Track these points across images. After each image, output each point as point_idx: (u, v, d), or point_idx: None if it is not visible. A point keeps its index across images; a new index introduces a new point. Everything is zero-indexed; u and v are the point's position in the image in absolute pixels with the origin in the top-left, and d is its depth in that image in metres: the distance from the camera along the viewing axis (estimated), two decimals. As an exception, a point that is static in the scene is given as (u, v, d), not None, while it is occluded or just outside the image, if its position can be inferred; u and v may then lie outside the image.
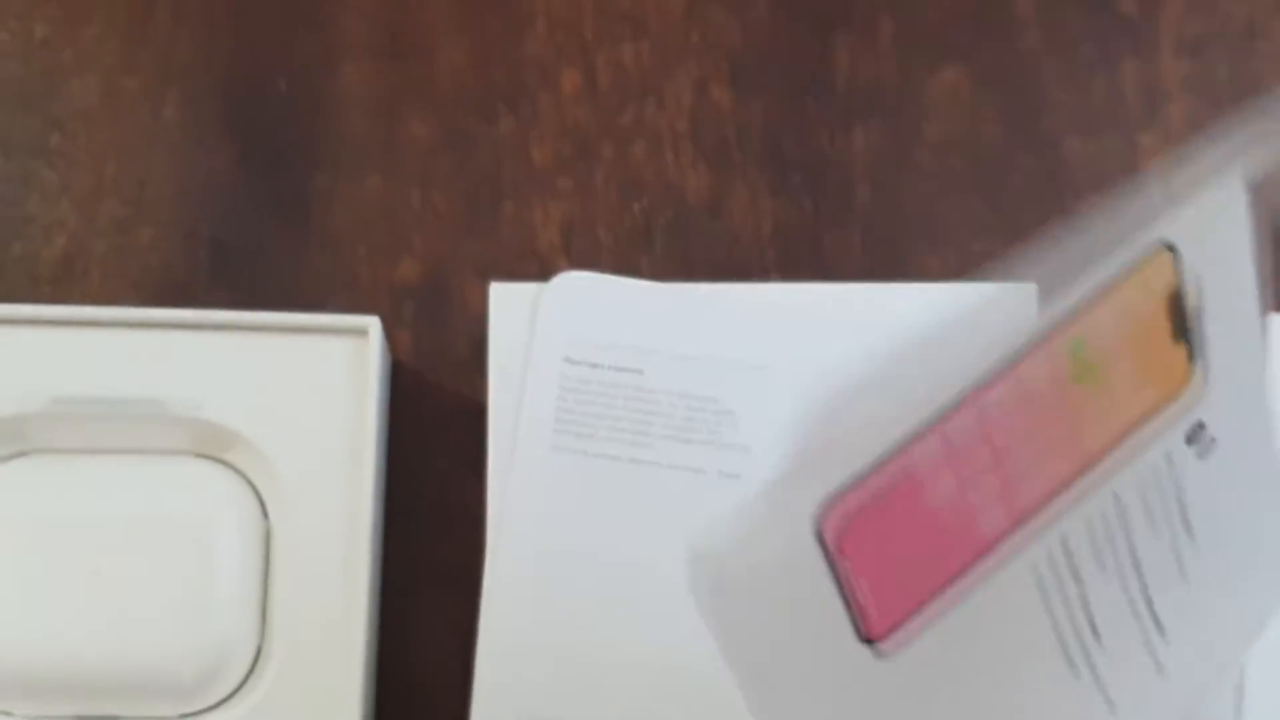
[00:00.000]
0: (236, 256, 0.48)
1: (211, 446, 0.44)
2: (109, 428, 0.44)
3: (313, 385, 0.44)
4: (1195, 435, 0.37)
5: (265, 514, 0.44)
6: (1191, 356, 0.36)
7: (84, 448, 0.44)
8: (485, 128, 0.50)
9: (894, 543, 0.32)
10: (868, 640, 0.32)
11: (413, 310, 0.48)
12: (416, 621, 0.46)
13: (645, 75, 0.51)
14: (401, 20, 0.51)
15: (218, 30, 0.50)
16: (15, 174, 0.49)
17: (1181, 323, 0.35)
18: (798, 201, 0.50)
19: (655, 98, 0.50)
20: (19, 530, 0.42)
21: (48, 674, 0.42)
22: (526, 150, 0.50)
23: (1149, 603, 0.37)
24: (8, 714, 0.42)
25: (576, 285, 0.46)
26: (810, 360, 0.45)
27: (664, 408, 0.45)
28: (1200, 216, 0.35)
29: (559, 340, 0.45)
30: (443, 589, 0.46)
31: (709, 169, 0.50)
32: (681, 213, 0.49)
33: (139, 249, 0.48)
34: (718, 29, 0.51)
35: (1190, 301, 0.35)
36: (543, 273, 0.48)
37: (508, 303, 0.45)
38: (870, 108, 0.51)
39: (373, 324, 0.44)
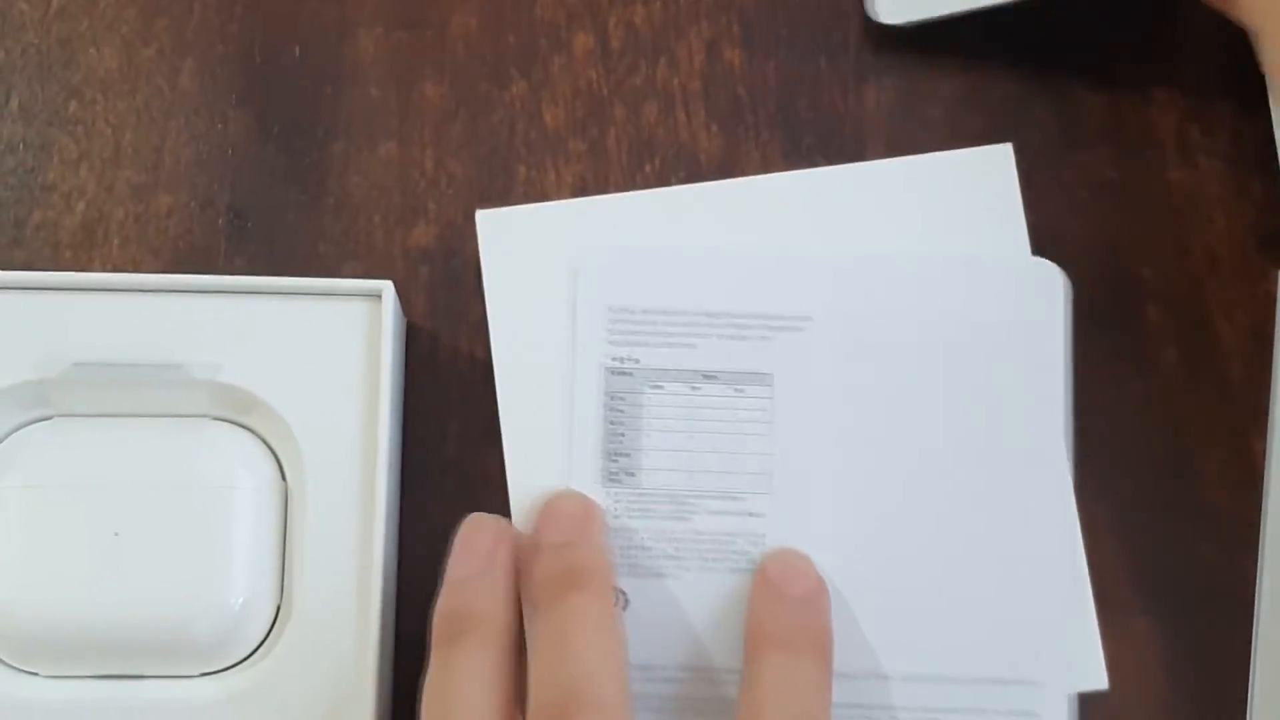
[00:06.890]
0: (253, 222, 0.49)
1: (230, 410, 0.45)
2: (129, 392, 0.44)
3: (329, 348, 0.45)
4: None
5: (283, 476, 0.45)
6: None
7: (105, 411, 0.44)
8: (498, 91, 0.50)
9: None
10: None
11: (428, 274, 0.49)
12: (433, 583, 0.46)
13: (656, 36, 0.50)
14: (415, -13, 0.51)
15: (233, 0, 0.51)
16: (35, 142, 0.49)
17: None
18: (810, 161, 0.49)
19: (667, 58, 0.50)
20: (41, 493, 0.43)
21: (70, 635, 0.42)
22: (539, 113, 0.50)
23: None
24: (32, 674, 0.43)
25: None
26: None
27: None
28: None
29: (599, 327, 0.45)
30: (460, 550, 0.46)
31: (721, 129, 0.50)
32: (694, 173, 0.49)
33: (157, 216, 0.49)
34: (728, -12, 0.51)
35: None
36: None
37: (498, 230, 0.44)
38: (882, 66, 0.50)
39: (386, 287, 0.44)
